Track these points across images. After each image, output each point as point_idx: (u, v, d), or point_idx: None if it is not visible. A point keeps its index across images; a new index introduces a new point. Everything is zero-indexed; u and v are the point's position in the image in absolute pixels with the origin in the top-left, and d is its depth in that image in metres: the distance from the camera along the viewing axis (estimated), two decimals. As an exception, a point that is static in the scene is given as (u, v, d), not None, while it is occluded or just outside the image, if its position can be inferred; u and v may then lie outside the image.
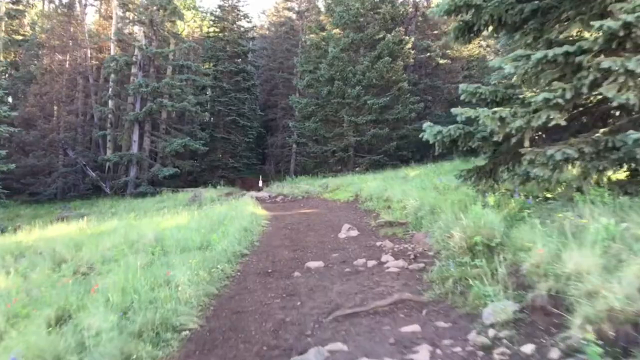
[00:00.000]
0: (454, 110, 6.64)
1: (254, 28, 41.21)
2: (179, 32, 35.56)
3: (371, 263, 5.99)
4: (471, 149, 7.73)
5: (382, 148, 26.60)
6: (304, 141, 28.83)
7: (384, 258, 6.22)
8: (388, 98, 25.68)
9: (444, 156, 29.96)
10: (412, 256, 6.26)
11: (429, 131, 7.16)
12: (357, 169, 27.33)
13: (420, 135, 7.95)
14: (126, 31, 34.86)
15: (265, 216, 11.85)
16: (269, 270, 5.98)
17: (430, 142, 7.42)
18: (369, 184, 16.44)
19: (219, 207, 14.40)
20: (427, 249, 6.54)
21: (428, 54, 31.31)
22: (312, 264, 6.15)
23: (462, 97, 7.11)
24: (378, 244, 7.43)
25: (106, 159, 30.18)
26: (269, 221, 10.80)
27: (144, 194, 27.53)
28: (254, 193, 19.92)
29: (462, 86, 7.03)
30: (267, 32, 52.10)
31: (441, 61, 31.43)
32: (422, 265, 5.63)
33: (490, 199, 6.96)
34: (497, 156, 7.48)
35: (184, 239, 8.07)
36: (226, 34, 34.52)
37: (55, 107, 32.47)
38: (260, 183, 30.28)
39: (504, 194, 7.49)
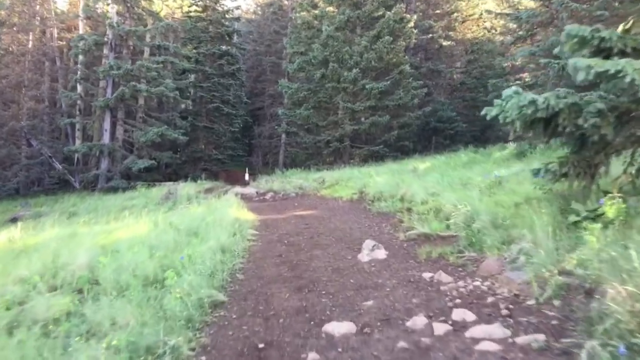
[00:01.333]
0: (576, 61, 4.01)
1: (239, 8, 38.17)
2: (157, 12, 32.42)
3: (441, 328, 3.38)
4: (561, 132, 5.15)
5: (381, 138, 24.02)
6: (294, 130, 26.12)
7: (456, 314, 3.62)
8: (388, 82, 23.07)
9: (447, 147, 27.50)
10: (503, 310, 3.68)
11: (513, 101, 4.57)
12: (352, 161, 24.74)
13: (482, 113, 5.41)
14: (98, 10, 31.63)
15: (253, 222, 9.18)
16: (260, 346, 3.32)
17: (507, 119, 4.84)
18: (375, 179, 13.86)
19: (194, 209, 11.70)
20: (522, 293, 3.96)
21: (430, 35, 28.68)
22: (336, 329, 3.50)
23: (566, 48, 4.52)
24: (427, 276, 4.83)
25: (74, 150, 27.17)
26: (257, 231, 8.13)
27: (115, 188, 24.61)
28: (239, 189, 17.20)
29: (568, 28, 4.42)
30: (254, 16, 49.02)
31: (444, 43, 28.86)
32: (541, 338, 3.04)
33: (609, 209, 4.41)
34: (608, 143, 4.90)
35: (132, 265, 5.41)
36: (209, 13, 31.46)
37: (17, 92, 29.19)
38: (247, 177, 27.81)
39: (616, 200, 4.90)
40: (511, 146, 19.99)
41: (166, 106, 32.84)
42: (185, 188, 18.52)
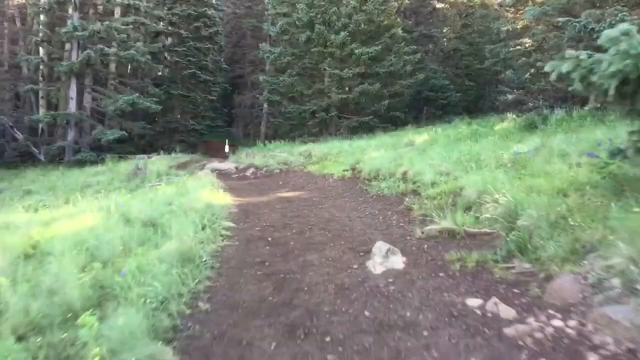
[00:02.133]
0: None
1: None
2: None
3: None
4: None
5: (371, 108, 22.39)
6: (277, 99, 24.26)
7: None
8: (379, 47, 21.30)
9: (439, 117, 26.03)
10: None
11: (622, 47, 3.01)
12: (339, 132, 23.13)
13: (548, 69, 3.89)
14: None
15: (229, 209, 7.59)
16: None
17: (599, 74, 3.31)
18: (371, 155, 12.34)
19: (162, 190, 10.04)
20: (633, 341, 2.52)
21: (423, -4, 26.80)
22: None
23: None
24: (474, 304, 3.37)
25: (37, 120, 25.03)
26: (233, 222, 6.54)
27: (83, 162, 22.67)
28: (216, 164, 15.52)
29: None
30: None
31: (438, 5, 26.99)
32: None
33: None
34: None
35: (56, 283, 3.85)
36: (183, -31, 28.89)
37: (-29, 56, 26.61)
38: (227, 149, 26.04)
39: None
40: (510, 117, 18.63)
41: (140, 73, 30.59)
42: (156, 163, 16.75)
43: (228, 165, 15.17)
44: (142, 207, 7.32)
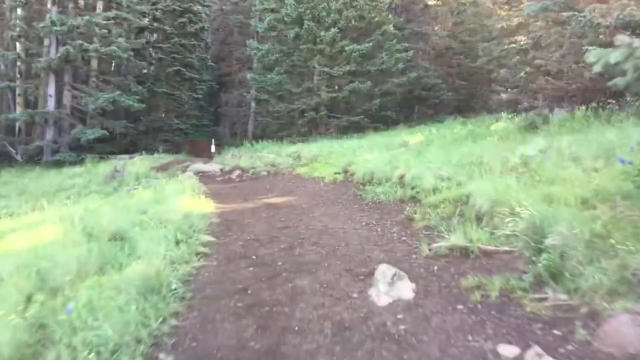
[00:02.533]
0: None
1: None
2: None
3: None
4: None
5: (361, 107, 21.75)
6: (265, 98, 23.48)
7: None
8: (370, 44, 20.63)
9: (431, 117, 25.45)
10: None
11: None
12: (329, 132, 22.44)
13: (590, 60, 3.21)
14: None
15: (209, 219, 6.83)
16: None
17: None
18: (364, 156, 11.66)
19: (138, 195, 9.27)
20: None
21: (414, -7, 26.18)
22: None
23: None
24: (509, 354, 2.69)
25: (14, 118, 23.89)
26: (213, 236, 5.77)
27: (61, 162, 21.66)
28: (200, 165, 14.70)
29: None
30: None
31: (430, 2, 26.40)
32: None
33: None
34: None
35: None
36: (167, -37, 27.95)
37: (-57, 51, 25.35)
38: (213, 148, 25.26)
39: None
40: (505, 117, 18.08)
41: (123, 70, 29.61)
42: (136, 164, 15.87)
43: (212, 166, 14.37)
44: (112, 217, 6.54)
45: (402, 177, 8.86)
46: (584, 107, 12.28)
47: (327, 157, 13.87)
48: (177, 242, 5.27)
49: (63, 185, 13.91)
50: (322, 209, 7.50)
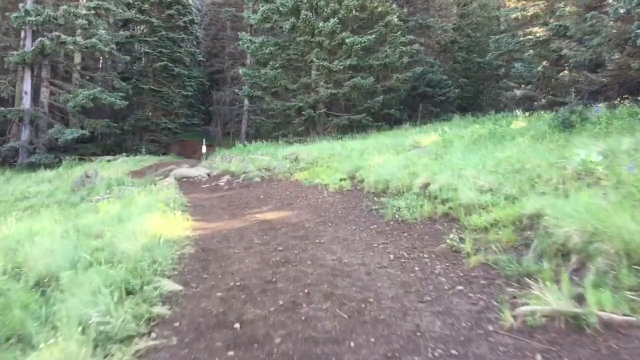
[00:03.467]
0: None
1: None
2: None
3: None
4: None
5: (363, 104, 20.04)
6: (258, 95, 21.72)
7: None
8: (372, 36, 18.94)
9: (436, 115, 23.84)
10: None
11: None
12: (327, 132, 20.80)
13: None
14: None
15: (182, 248, 5.12)
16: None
17: None
18: (373, 160, 10.00)
19: (104, 208, 7.57)
20: None
21: (418, -17, 24.55)
22: None
23: None
24: None
25: (-14, 117, 22.02)
26: (181, 282, 4.03)
27: (37, 165, 19.87)
28: (185, 170, 12.96)
29: None
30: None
31: (435, -8, 24.80)
32: None
33: None
34: None
35: None
36: (154, -49, 26.15)
37: None
38: (204, 149, 23.58)
39: None
40: (521, 114, 16.53)
41: (107, 65, 27.83)
42: (113, 167, 14.13)
43: (199, 171, 12.64)
44: (51, 245, 4.87)
45: (425, 186, 7.25)
46: (626, 101, 10.71)
47: (328, 160, 12.20)
48: (128, 293, 3.59)
49: (27, 192, 12.14)
50: (331, 231, 5.82)
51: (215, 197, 9.11)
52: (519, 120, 15.31)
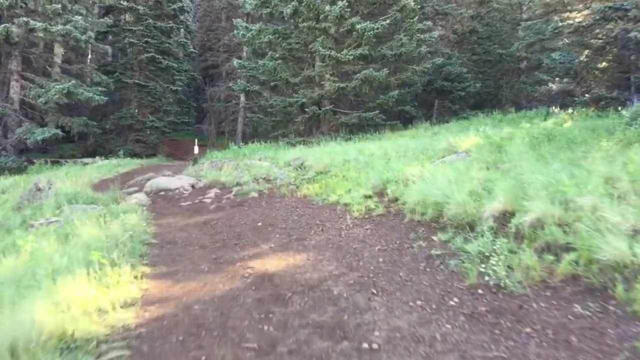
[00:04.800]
0: None
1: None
2: None
3: None
4: None
5: (375, 100, 17.56)
6: (256, 90, 19.20)
7: None
8: (386, 22, 16.45)
9: (455, 113, 21.42)
10: None
11: None
12: (332, 131, 18.34)
13: None
14: None
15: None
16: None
17: None
18: (409, 170, 7.52)
19: (26, 248, 5.06)
20: None
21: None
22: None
23: None
24: None
25: (-53, 115, 19.50)
26: None
27: (1, 169, 17.33)
28: (164, 180, 10.43)
29: None
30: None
31: (453, -25, 22.29)
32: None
33: None
34: None
35: None
36: None
37: None
38: (196, 149, 21.11)
39: None
40: (560, 111, 14.18)
41: (93, 58, 25.31)
42: (80, 175, 11.62)
43: (182, 181, 10.14)
44: None
45: (505, 216, 4.83)
46: None
47: (343, 168, 9.73)
48: None
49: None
50: (382, 312, 3.35)
51: (195, 225, 6.60)
52: (560, 119, 12.97)
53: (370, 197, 7.25)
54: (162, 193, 9.34)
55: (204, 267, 4.60)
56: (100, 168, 14.48)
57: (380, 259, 4.55)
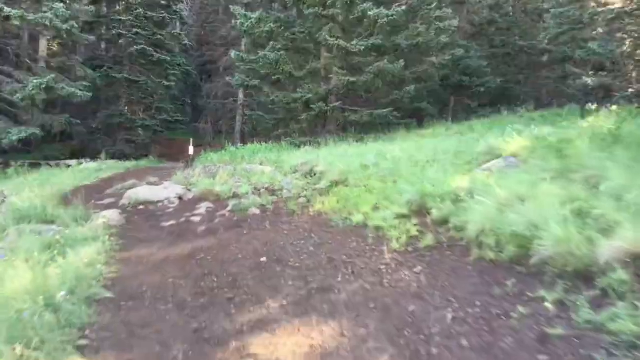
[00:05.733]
0: None
1: None
2: None
3: None
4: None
5: (389, 96, 15.81)
6: (255, 85, 17.40)
7: None
8: (402, 8, 14.68)
9: (472, 111, 19.72)
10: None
11: None
12: (339, 129, 16.64)
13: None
14: None
15: None
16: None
17: None
18: (455, 182, 5.78)
19: None
20: None
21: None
22: None
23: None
24: None
25: None
26: None
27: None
28: (147, 189, 8.66)
29: None
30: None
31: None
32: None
33: None
34: None
35: None
36: None
37: None
38: (192, 150, 19.39)
39: None
40: (595, 108, 12.45)
41: (82, 52, 23.49)
42: (52, 181, 9.86)
43: (168, 191, 8.39)
44: None
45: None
46: None
47: (362, 175, 7.95)
48: None
49: None
50: None
51: (176, 261, 4.84)
52: (600, 117, 11.24)
53: (406, 217, 5.52)
54: (142, 207, 7.60)
55: (177, 354, 2.84)
56: (80, 173, 12.73)
57: (464, 342, 2.80)
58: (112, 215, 6.54)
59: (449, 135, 13.14)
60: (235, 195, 7.77)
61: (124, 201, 8.02)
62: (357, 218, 5.87)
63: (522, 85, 21.83)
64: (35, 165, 17.14)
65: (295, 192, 7.64)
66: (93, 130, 20.76)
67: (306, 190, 7.77)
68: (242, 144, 17.47)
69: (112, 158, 19.37)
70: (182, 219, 6.62)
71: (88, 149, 20.68)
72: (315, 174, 8.92)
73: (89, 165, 15.24)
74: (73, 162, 18.48)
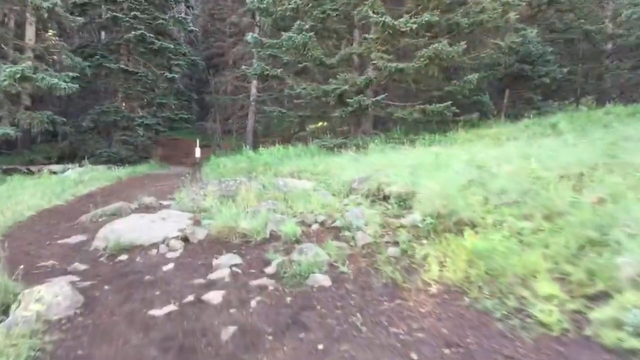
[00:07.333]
0: None
1: None
2: None
3: None
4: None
5: (444, 88, 12.80)
6: (277, 74, 14.31)
7: None
8: (462, -23, 11.67)
9: (530, 105, 16.57)
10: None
11: None
12: (376, 131, 13.70)
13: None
14: None
15: None
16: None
17: None
18: None
19: None
20: None
21: None
22: None
23: None
24: None
25: None
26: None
27: None
28: (136, 220, 5.66)
29: None
30: None
31: None
32: None
33: None
34: None
35: None
36: None
37: None
38: (198, 152, 16.81)
39: None
40: None
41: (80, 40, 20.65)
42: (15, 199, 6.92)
43: (166, 226, 5.41)
44: None
45: None
46: None
47: (478, 202, 4.88)
48: None
49: None
50: None
51: None
52: None
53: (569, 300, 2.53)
54: (124, 258, 4.61)
55: None
56: (56, 185, 9.77)
57: None
58: (57, 297, 3.49)
59: (533, 136, 10.09)
60: (274, 238, 4.77)
61: (97, 243, 5.05)
62: (536, 304, 2.87)
63: (586, 76, 18.75)
64: (10, 172, 14.26)
65: (374, 234, 4.62)
66: (85, 130, 17.83)
67: (392, 230, 4.74)
68: (259, 147, 14.51)
69: (106, 162, 16.50)
70: (190, 298, 3.60)
71: (79, 152, 17.81)
72: (387, 197, 5.90)
73: (70, 173, 12.30)
74: (59, 167, 15.64)
